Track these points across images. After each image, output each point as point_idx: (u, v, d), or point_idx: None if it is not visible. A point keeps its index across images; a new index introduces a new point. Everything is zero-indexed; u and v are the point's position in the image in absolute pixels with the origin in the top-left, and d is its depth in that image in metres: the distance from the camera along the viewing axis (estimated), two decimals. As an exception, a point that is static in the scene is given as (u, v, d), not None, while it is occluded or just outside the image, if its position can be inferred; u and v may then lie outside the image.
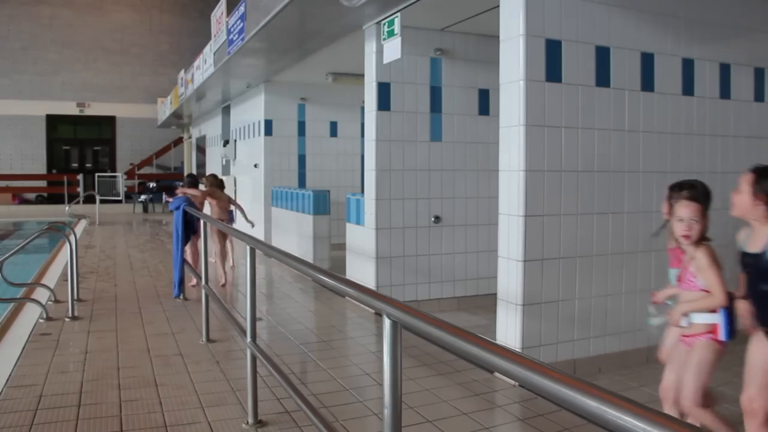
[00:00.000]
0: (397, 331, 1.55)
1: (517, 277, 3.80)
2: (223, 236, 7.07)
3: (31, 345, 4.54)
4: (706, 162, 4.46)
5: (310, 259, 7.67)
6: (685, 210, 2.55)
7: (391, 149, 5.64)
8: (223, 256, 7.11)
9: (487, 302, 5.34)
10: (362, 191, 6.08)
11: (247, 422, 3.13)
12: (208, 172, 10.35)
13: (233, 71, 8.99)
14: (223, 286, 6.88)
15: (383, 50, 5.27)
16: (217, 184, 7.32)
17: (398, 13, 4.99)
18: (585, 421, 2.97)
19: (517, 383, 3.52)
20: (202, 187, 7.56)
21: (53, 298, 5.96)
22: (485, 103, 5.99)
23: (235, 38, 7.25)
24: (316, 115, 10.12)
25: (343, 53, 7.04)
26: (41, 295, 5.96)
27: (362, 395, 3.59)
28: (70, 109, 21.61)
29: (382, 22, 5.27)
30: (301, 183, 10.02)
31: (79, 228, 13.04)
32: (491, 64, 5.26)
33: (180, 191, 6.76)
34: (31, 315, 5.39)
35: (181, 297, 6.13)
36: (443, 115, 5.83)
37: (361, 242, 5.91)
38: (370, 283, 5.63)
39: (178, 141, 22.12)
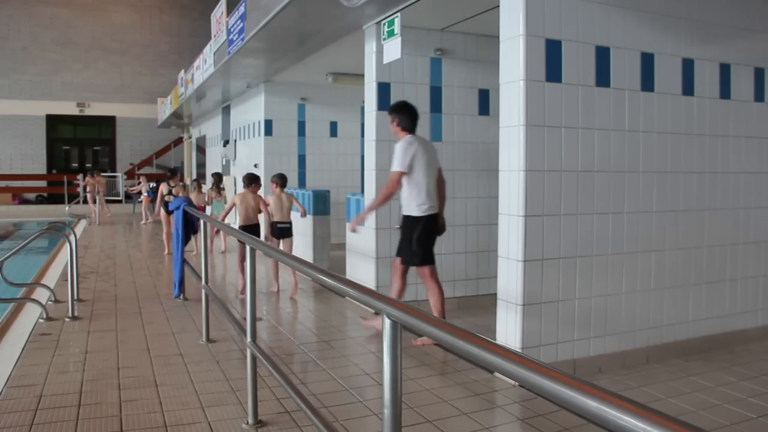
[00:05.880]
0: (397, 331, 1.55)
1: (517, 277, 3.80)
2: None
3: (31, 345, 4.53)
4: (706, 162, 4.46)
5: (309, 259, 7.67)
6: None
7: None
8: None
9: (487, 302, 5.34)
10: (362, 191, 6.08)
11: (247, 422, 3.13)
12: (208, 173, 10.58)
13: (233, 71, 8.98)
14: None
15: (383, 50, 5.27)
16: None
17: (398, 13, 4.99)
18: (585, 421, 2.97)
19: (517, 383, 3.52)
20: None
21: (53, 298, 5.96)
22: (485, 103, 5.99)
23: (235, 38, 7.25)
24: (316, 115, 10.12)
25: (343, 53, 7.04)
26: (41, 295, 5.96)
27: (362, 395, 3.59)
28: (70, 109, 21.63)
29: (382, 22, 5.27)
30: (301, 183, 10.02)
31: (79, 228, 13.05)
32: (491, 64, 5.26)
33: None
34: (31, 315, 5.39)
35: (181, 297, 6.14)
36: (443, 115, 5.83)
37: (361, 242, 5.91)
38: (370, 283, 5.63)
39: (178, 141, 22.13)
